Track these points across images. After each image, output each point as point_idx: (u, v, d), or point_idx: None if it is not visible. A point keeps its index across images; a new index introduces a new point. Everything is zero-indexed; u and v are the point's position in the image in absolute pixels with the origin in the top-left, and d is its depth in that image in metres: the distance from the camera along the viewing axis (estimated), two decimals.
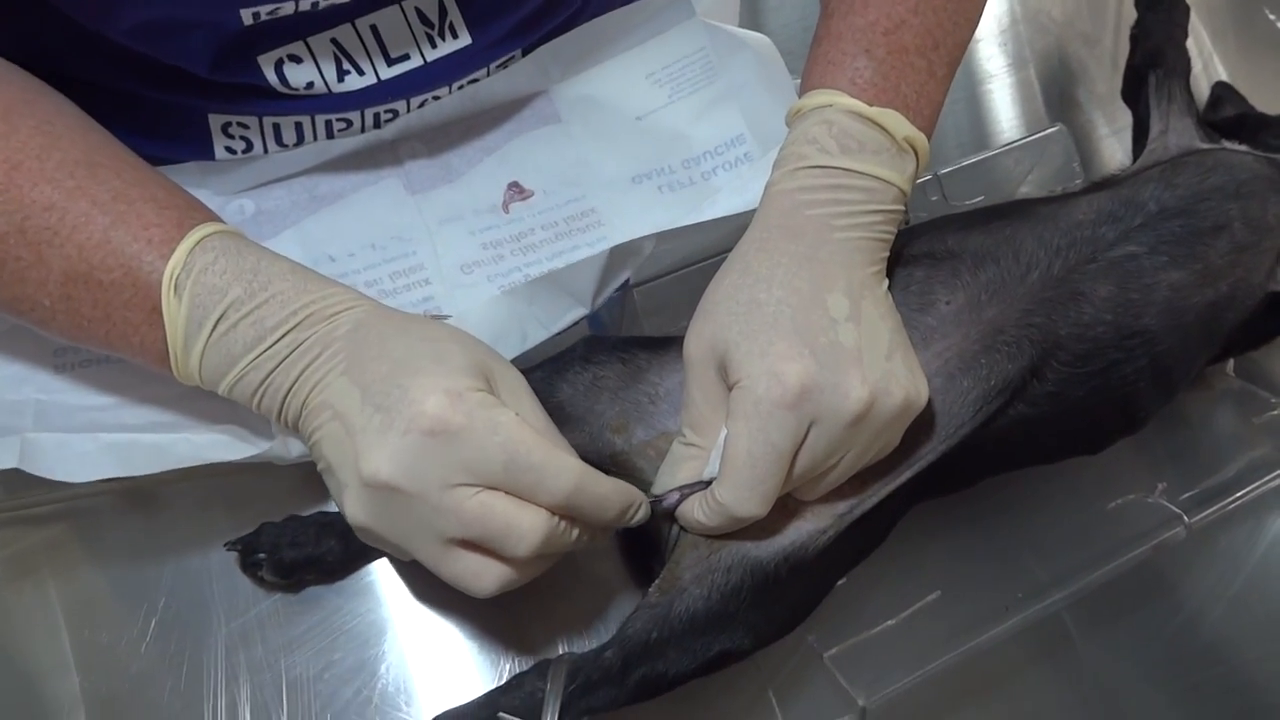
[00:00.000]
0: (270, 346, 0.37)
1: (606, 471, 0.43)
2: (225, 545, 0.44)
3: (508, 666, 0.45)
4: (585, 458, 0.42)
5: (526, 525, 0.35)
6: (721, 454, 0.38)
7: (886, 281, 0.41)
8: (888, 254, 0.41)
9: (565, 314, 0.46)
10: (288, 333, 0.37)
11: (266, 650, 0.44)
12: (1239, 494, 0.48)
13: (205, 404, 0.44)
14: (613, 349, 0.44)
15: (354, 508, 0.36)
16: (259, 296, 0.37)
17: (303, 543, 0.44)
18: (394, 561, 0.46)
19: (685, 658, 0.39)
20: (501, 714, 0.38)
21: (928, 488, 0.45)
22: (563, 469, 0.35)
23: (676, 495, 0.40)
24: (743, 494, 0.37)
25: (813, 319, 0.37)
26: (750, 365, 0.37)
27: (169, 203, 0.39)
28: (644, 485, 0.42)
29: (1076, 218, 0.45)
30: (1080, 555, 0.46)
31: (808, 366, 0.36)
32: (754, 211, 0.42)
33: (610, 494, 0.37)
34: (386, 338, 0.37)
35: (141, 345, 0.39)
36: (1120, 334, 0.43)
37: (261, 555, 0.43)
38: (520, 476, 0.35)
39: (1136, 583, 0.50)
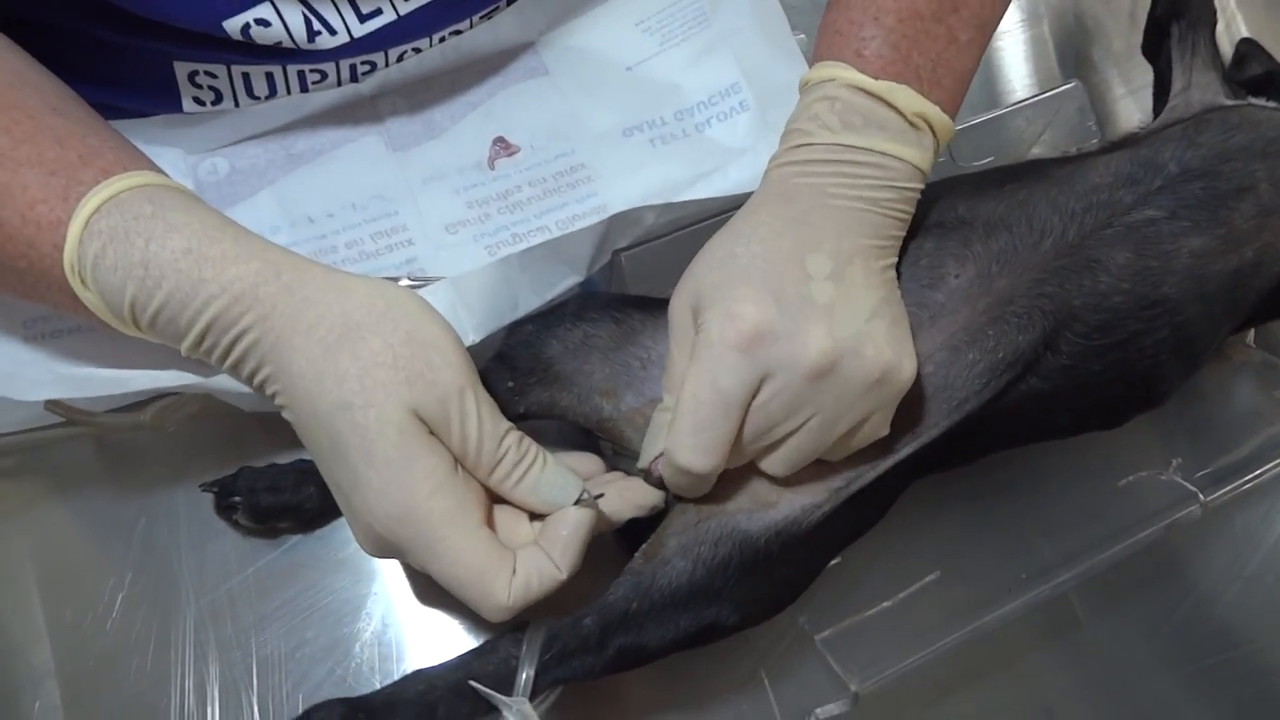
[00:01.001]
0: (197, 346, 0.34)
1: (594, 438, 0.41)
2: (201, 486, 0.42)
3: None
4: (573, 420, 0.41)
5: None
6: None
7: (891, 260, 0.38)
8: (901, 234, 0.38)
9: (560, 281, 0.43)
10: (203, 337, 0.34)
11: (236, 628, 0.42)
12: (1258, 471, 0.45)
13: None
14: (606, 307, 0.42)
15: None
16: (156, 297, 0.33)
17: (281, 488, 0.42)
18: None
19: (666, 630, 0.37)
20: (472, 681, 0.36)
21: (930, 463, 0.42)
22: (494, 611, 0.33)
23: (658, 466, 0.38)
24: (685, 440, 0.35)
25: (786, 271, 0.35)
26: (710, 308, 0.35)
27: (58, 164, 0.34)
28: (632, 454, 0.40)
29: (1093, 180, 0.42)
30: (1088, 534, 0.44)
31: (765, 311, 0.34)
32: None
33: (573, 563, 0.35)
34: (299, 403, 0.34)
35: (89, 318, 0.36)
36: (1139, 303, 0.40)
37: (237, 499, 0.41)
38: (457, 594, 0.34)
39: (1147, 563, 0.47)
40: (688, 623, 0.37)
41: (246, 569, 0.43)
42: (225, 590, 0.42)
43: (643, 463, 0.38)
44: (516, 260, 0.42)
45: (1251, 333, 0.51)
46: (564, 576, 0.34)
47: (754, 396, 0.35)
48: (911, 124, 0.37)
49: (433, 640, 0.42)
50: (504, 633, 0.37)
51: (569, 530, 0.34)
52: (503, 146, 0.52)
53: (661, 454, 0.37)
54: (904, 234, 0.38)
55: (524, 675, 0.35)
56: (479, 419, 0.34)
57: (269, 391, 0.35)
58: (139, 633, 0.41)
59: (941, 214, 0.41)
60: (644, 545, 0.38)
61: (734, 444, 0.35)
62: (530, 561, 0.34)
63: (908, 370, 0.36)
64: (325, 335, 0.33)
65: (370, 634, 0.42)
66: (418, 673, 0.37)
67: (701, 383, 0.34)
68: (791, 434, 0.36)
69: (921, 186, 0.38)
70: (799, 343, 0.34)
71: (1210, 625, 0.47)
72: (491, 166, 0.51)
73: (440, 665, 0.37)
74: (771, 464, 0.37)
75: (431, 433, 0.33)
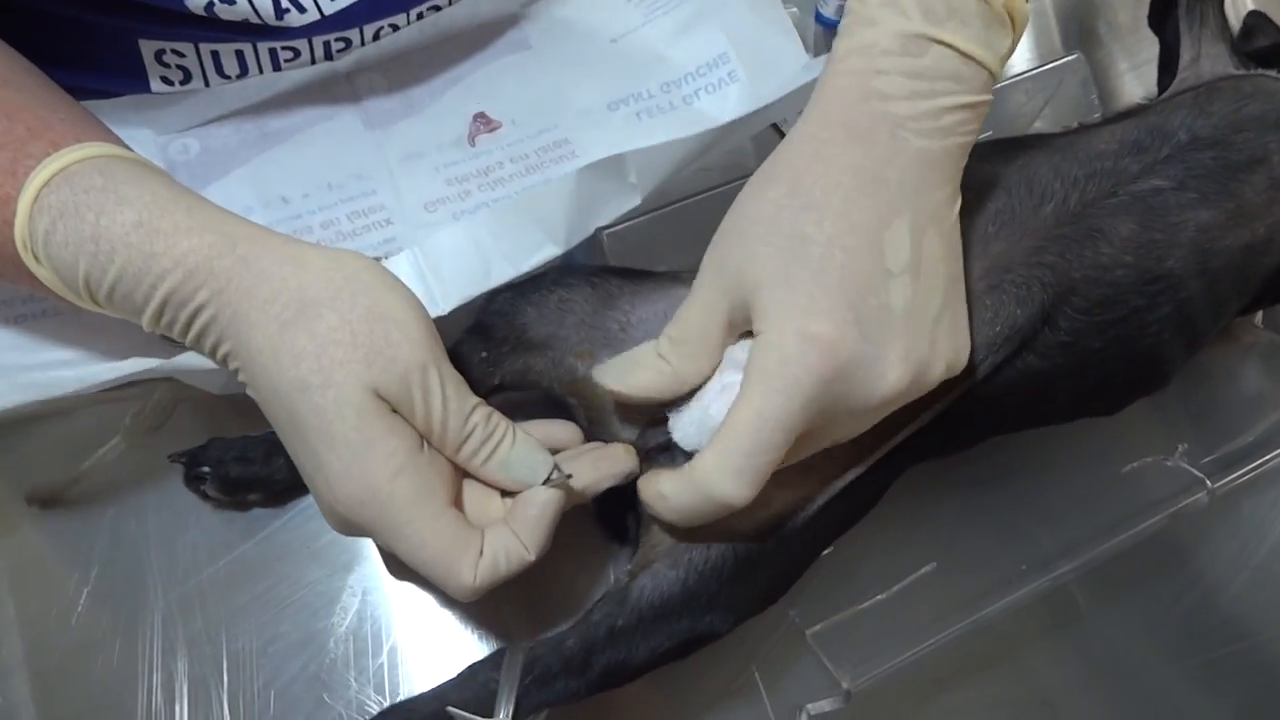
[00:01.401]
0: (156, 320, 0.32)
1: (565, 401, 0.39)
2: (169, 457, 0.41)
3: (470, 643, 0.41)
4: (547, 385, 0.39)
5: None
6: (714, 411, 0.32)
7: (959, 202, 0.33)
8: (966, 159, 0.33)
9: (535, 252, 0.40)
10: (161, 311, 0.32)
11: (207, 622, 0.40)
12: (1266, 457, 0.43)
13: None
14: (584, 273, 0.39)
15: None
16: (109, 272, 0.32)
17: (251, 459, 0.40)
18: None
19: (653, 644, 0.35)
20: (451, 709, 0.34)
21: (925, 449, 0.40)
22: (460, 591, 0.32)
23: (632, 457, 0.35)
24: (734, 461, 0.30)
25: (865, 268, 0.30)
26: (781, 319, 0.30)
27: (5, 138, 0.33)
28: (606, 419, 0.38)
29: (1097, 148, 0.40)
30: (1091, 523, 0.41)
31: (848, 335, 0.30)
32: (749, 121, 0.35)
33: (541, 542, 0.33)
34: (258, 378, 0.32)
35: (51, 294, 0.34)
36: (1142, 278, 0.38)
37: (206, 469, 0.40)
38: (425, 574, 0.32)
39: (1150, 552, 0.45)
40: (679, 633, 0.35)
41: (217, 561, 0.41)
42: (195, 583, 0.40)
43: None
44: (485, 224, 0.40)
45: (1260, 314, 0.49)
46: (532, 557, 0.32)
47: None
48: (996, 14, 0.31)
49: (412, 636, 0.41)
50: (483, 659, 0.35)
51: (537, 510, 0.32)
52: (484, 122, 0.50)
53: (645, 442, 0.35)
54: (967, 159, 0.34)
55: (504, 701, 0.33)
56: (443, 396, 0.32)
57: (232, 367, 0.33)
58: (105, 628, 0.39)
59: None
60: (630, 565, 0.36)
61: None
62: (498, 541, 0.32)
63: (963, 359, 0.33)
64: (281, 311, 0.31)
65: (346, 628, 0.40)
66: (393, 707, 0.35)
67: (772, 402, 0.30)
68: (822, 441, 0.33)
69: (990, 98, 0.33)
70: (875, 374, 0.30)
71: (1217, 616, 0.44)
72: (472, 143, 0.49)
73: (417, 697, 0.35)
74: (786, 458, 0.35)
75: (395, 411, 0.32)
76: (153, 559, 0.41)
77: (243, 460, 0.40)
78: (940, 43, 0.31)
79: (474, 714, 0.34)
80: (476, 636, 0.41)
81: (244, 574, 0.41)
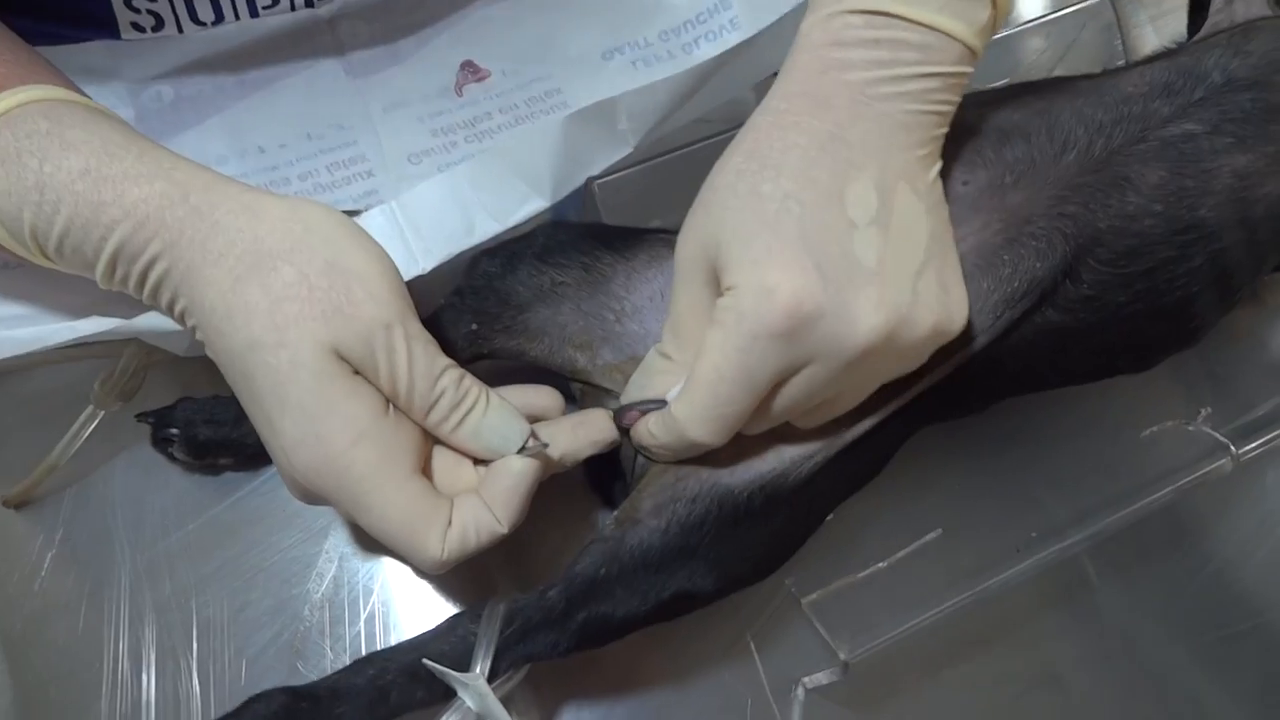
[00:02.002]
0: (108, 274, 0.30)
1: (570, 388, 0.37)
2: (136, 416, 0.38)
3: (452, 612, 0.38)
4: (542, 365, 0.37)
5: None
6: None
7: (938, 165, 0.32)
8: (944, 132, 0.32)
9: (520, 205, 0.37)
10: (114, 263, 0.30)
11: (175, 588, 0.38)
12: None
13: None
14: (574, 247, 0.37)
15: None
16: (56, 223, 0.29)
17: (221, 421, 0.38)
18: None
19: (636, 598, 0.32)
20: (426, 660, 0.32)
21: (934, 410, 0.37)
22: (426, 563, 0.30)
23: (636, 413, 0.33)
24: (698, 413, 0.30)
25: (826, 219, 0.29)
26: (740, 272, 0.29)
27: None
28: (604, 398, 0.36)
29: (1125, 91, 0.36)
30: (1106, 490, 0.39)
31: (809, 283, 0.28)
32: (743, 59, 0.33)
33: (515, 515, 0.31)
34: (215, 326, 0.29)
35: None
36: (1172, 228, 0.35)
37: (174, 431, 0.38)
38: (390, 546, 0.30)
39: (1167, 522, 0.42)
40: (660, 588, 0.33)
41: (187, 525, 0.39)
42: (163, 548, 0.38)
43: (625, 400, 0.34)
44: (466, 176, 0.37)
45: None
46: (504, 530, 0.30)
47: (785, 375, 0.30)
48: None
49: (390, 603, 0.38)
50: (462, 610, 0.33)
51: (511, 481, 0.30)
52: (471, 71, 0.47)
53: (640, 405, 0.33)
54: (947, 130, 0.32)
55: (482, 653, 0.32)
56: (409, 356, 0.29)
57: (189, 325, 0.30)
58: (70, 593, 0.37)
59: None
60: (615, 513, 0.34)
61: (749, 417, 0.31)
62: (468, 512, 0.30)
63: (958, 321, 0.31)
64: (235, 265, 0.28)
65: (320, 596, 0.38)
66: (368, 656, 0.33)
67: (729, 360, 0.29)
68: (815, 407, 0.32)
69: (972, 71, 0.31)
70: (845, 323, 0.28)
71: (1235, 590, 0.42)
72: (459, 93, 0.47)
73: (393, 647, 0.33)
74: (795, 421, 0.33)
75: (357, 373, 0.29)
76: (120, 522, 0.38)
77: (212, 422, 0.38)
78: (906, 20, 0.30)
79: (451, 667, 0.32)
80: (459, 605, 0.39)
81: (215, 538, 0.38)
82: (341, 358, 0.28)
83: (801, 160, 0.29)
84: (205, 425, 0.38)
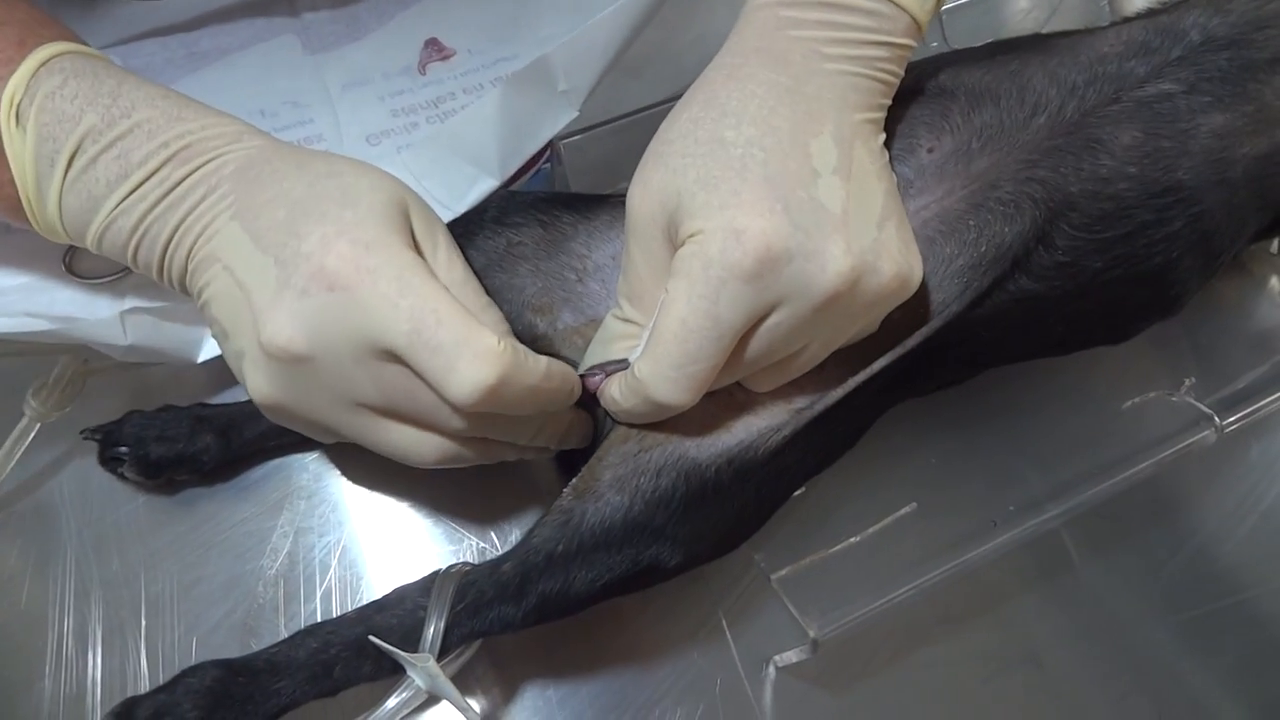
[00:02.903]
0: (140, 185, 0.29)
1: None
2: (82, 433, 0.36)
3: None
4: None
5: (445, 417, 0.29)
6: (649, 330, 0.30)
7: (883, 135, 0.31)
8: (888, 102, 0.31)
9: (470, 188, 0.36)
10: (159, 168, 0.29)
11: (124, 563, 0.36)
12: (1278, 394, 0.38)
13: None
14: (530, 208, 0.35)
15: (256, 379, 0.29)
16: (120, 125, 0.29)
17: (174, 437, 0.36)
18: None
19: (596, 573, 0.31)
20: (373, 637, 0.30)
21: (908, 383, 0.35)
22: (478, 355, 0.27)
23: (600, 375, 0.31)
24: (665, 372, 0.28)
25: (790, 166, 0.28)
26: (705, 218, 0.27)
27: (7, 18, 0.31)
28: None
29: (1100, 50, 0.35)
30: (1086, 463, 0.37)
31: (778, 225, 0.27)
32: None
33: (541, 385, 0.29)
34: (283, 175, 0.29)
35: None
36: (1148, 190, 0.33)
37: (124, 449, 0.36)
38: (425, 358, 0.27)
39: (1149, 496, 0.40)
40: (621, 565, 0.31)
41: (136, 497, 0.37)
42: (112, 521, 0.36)
43: (583, 368, 0.32)
44: (409, 166, 0.35)
45: (1276, 241, 0.44)
46: (541, 371, 0.29)
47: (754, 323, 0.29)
48: None
49: (348, 578, 0.37)
50: (412, 582, 0.32)
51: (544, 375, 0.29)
52: (436, 49, 0.46)
53: (605, 366, 0.31)
54: (889, 104, 0.32)
55: (432, 628, 0.30)
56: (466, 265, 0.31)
57: (215, 182, 0.30)
58: (12, 568, 0.35)
59: (918, 81, 0.34)
60: (574, 480, 0.32)
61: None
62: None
63: (917, 275, 0.30)
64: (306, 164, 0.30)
65: (275, 571, 0.36)
66: (311, 628, 0.31)
67: (695, 309, 0.27)
68: (785, 359, 0.30)
69: (915, 44, 0.31)
70: (815, 265, 0.27)
71: (1218, 565, 0.40)
72: (422, 71, 0.45)
73: (337, 619, 0.31)
74: (755, 382, 0.32)
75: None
76: (65, 494, 0.37)
77: (164, 439, 0.36)
78: None
79: (400, 641, 0.30)
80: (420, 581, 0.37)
81: (165, 512, 0.37)
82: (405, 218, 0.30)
83: (761, 109, 0.29)
84: (157, 442, 0.35)
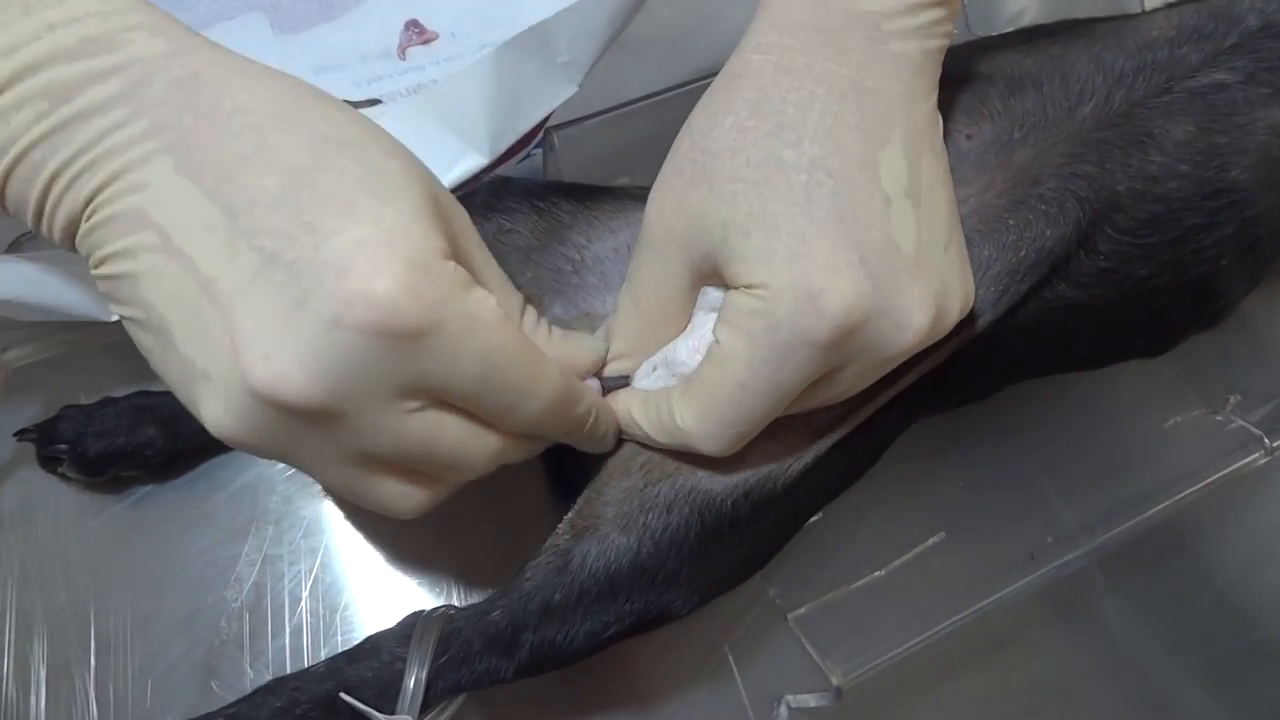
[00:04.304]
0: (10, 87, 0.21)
1: None
2: (15, 435, 0.33)
3: (391, 621, 0.33)
4: None
5: (479, 454, 0.24)
6: (681, 356, 0.27)
7: (941, 122, 0.27)
8: (940, 73, 0.27)
9: (454, 163, 0.32)
10: (44, 65, 0.20)
11: (71, 597, 0.32)
12: None
13: None
14: (526, 194, 0.31)
15: (218, 412, 0.21)
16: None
17: (112, 431, 0.32)
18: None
19: (597, 626, 0.27)
20: (345, 694, 0.26)
21: (933, 399, 0.32)
22: (545, 387, 0.23)
23: (596, 385, 0.28)
24: (713, 430, 0.25)
25: (861, 197, 0.24)
26: (769, 269, 0.23)
27: None
28: None
29: (1149, 35, 0.31)
30: (1124, 487, 0.34)
31: (858, 285, 0.23)
32: None
33: (588, 410, 0.26)
34: (259, 119, 0.21)
35: None
36: (1200, 191, 0.30)
37: (62, 446, 0.32)
38: (492, 400, 0.23)
39: (1180, 520, 0.37)
40: (629, 616, 0.28)
41: (86, 524, 0.33)
42: (58, 551, 0.33)
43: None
44: (387, 130, 0.31)
45: None
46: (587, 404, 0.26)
47: None
48: None
49: (321, 612, 0.33)
50: (389, 628, 0.28)
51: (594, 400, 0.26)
52: (417, 32, 0.42)
53: (605, 380, 0.28)
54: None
55: (413, 681, 0.26)
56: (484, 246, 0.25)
57: (161, 133, 0.21)
58: None
59: (953, 67, 0.30)
60: (569, 515, 0.29)
61: None
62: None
63: (972, 296, 0.26)
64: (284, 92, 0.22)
65: (240, 604, 0.33)
66: (274, 684, 0.28)
67: (757, 376, 0.24)
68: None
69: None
70: (892, 325, 0.24)
71: (1256, 595, 0.37)
72: (402, 56, 0.42)
73: (305, 672, 0.28)
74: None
75: None
76: (5, 520, 0.33)
77: (103, 433, 0.32)
78: None
79: (375, 697, 0.26)
80: (399, 615, 0.33)
81: (117, 539, 0.33)
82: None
83: (824, 117, 0.24)
84: (96, 437, 0.32)
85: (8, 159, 0.21)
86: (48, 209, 0.22)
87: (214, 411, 0.21)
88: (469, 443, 0.23)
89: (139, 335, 0.23)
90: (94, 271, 0.22)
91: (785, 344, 0.23)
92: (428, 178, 0.23)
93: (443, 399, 0.22)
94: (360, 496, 0.24)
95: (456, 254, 0.23)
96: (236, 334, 0.20)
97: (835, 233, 0.23)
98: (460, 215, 0.24)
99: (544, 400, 0.23)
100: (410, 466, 0.24)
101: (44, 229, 0.22)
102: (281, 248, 0.20)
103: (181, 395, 0.22)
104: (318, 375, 0.20)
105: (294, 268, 0.20)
